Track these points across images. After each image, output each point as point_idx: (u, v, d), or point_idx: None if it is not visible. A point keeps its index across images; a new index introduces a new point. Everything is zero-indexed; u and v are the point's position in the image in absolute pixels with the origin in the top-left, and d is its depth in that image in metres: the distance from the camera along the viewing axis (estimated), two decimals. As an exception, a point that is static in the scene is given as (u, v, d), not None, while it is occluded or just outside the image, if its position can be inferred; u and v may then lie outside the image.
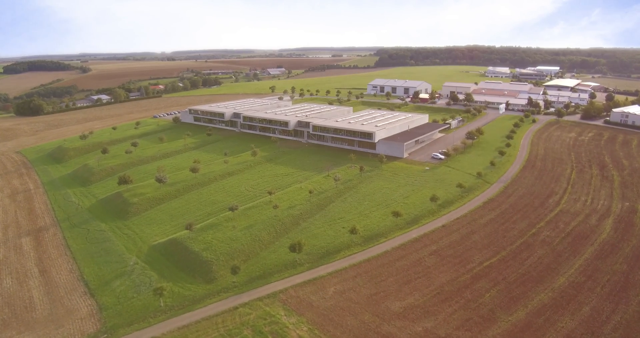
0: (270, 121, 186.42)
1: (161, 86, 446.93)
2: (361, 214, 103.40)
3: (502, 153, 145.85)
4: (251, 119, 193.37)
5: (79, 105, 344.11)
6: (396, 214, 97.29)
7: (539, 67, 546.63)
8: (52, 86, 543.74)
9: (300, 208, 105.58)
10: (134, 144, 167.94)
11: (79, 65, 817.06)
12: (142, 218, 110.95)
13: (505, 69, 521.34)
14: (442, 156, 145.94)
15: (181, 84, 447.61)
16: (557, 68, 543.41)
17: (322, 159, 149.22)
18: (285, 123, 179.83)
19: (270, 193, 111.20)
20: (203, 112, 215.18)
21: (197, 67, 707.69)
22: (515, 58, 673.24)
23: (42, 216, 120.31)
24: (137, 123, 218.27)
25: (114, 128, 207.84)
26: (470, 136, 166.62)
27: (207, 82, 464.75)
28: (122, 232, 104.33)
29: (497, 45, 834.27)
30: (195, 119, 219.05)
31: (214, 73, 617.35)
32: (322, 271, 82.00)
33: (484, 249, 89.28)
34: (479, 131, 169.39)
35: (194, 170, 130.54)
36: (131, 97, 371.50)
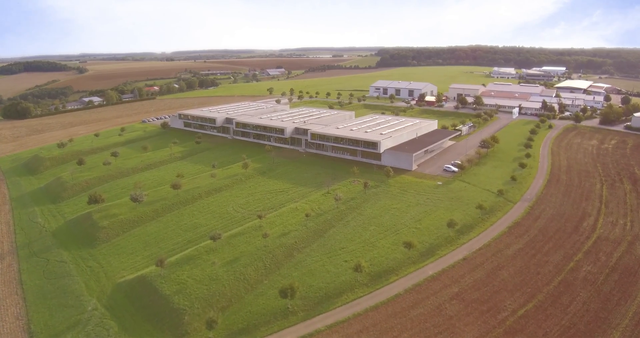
0: (265, 128, 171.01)
1: (156, 88, 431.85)
2: (366, 243, 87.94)
3: (522, 165, 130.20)
4: (244, 125, 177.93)
5: (69, 108, 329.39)
6: (408, 245, 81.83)
7: (544, 68, 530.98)
8: (47, 87, 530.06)
9: (294, 235, 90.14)
10: (114, 154, 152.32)
11: (76, 65, 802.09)
12: (111, 245, 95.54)
13: (511, 70, 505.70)
14: (455, 169, 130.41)
15: (176, 86, 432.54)
16: (563, 69, 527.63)
17: (321, 172, 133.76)
18: (281, 130, 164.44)
19: (260, 217, 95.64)
20: (193, 117, 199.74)
21: (195, 68, 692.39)
22: (519, 58, 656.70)
23: (1, 240, 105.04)
24: (122, 129, 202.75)
25: (96, 135, 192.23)
26: (484, 144, 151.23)
27: (204, 83, 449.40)
28: (86, 264, 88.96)
29: (500, 45, 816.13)
30: (185, 124, 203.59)
31: (212, 74, 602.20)
32: (320, 323, 66.55)
33: (516, 291, 73.82)
34: (494, 139, 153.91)
35: (175, 186, 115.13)
36: (124, 99, 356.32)
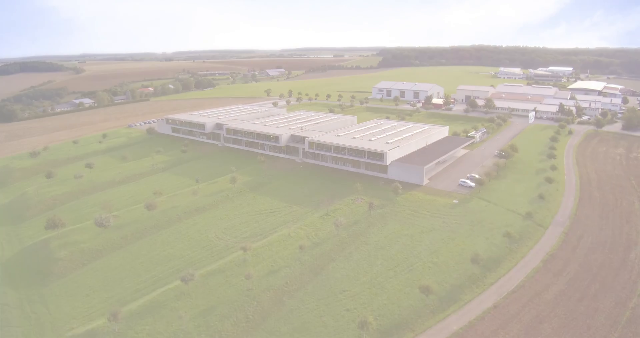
0: (258, 135, 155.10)
1: (150, 89, 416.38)
2: (373, 283, 72.04)
3: (549, 180, 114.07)
4: (236, 131, 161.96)
5: (57, 110, 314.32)
6: (425, 290, 65.99)
7: (551, 68, 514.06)
8: (42, 88, 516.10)
9: (285, 273, 74.29)
10: (89, 166, 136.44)
11: (73, 66, 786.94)
12: (66, 283, 79.78)
13: (518, 70, 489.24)
14: (472, 184, 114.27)
15: (172, 86, 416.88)
16: (570, 69, 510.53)
17: (320, 187, 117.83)
18: (276, 138, 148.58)
19: (244, 249, 79.82)
20: (182, 122, 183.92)
21: (194, 68, 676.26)
22: (524, 58, 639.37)
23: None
24: (104, 135, 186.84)
25: (75, 142, 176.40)
26: (502, 154, 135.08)
27: (201, 84, 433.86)
28: (32, 310, 73.25)
29: (504, 45, 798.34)
30: (174, 130, 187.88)
31: (210, 74, 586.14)
32: None
33: (566, 355, 57.93)
34: (513, 148, 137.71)
35: (150, 207, 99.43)
36: (116, 101, 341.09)
